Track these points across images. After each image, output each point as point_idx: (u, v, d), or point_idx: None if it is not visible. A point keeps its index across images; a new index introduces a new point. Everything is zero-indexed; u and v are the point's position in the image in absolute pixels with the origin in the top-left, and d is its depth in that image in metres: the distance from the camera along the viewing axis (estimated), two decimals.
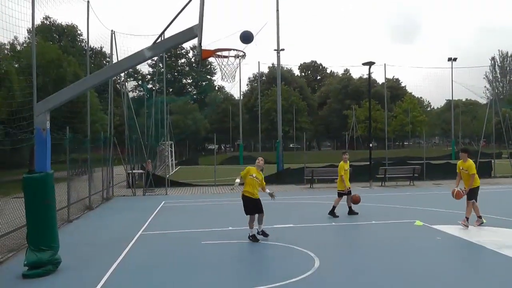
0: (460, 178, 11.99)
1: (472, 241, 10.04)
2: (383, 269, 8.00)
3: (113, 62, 20.94)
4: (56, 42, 53.46)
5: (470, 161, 11.81)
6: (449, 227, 11.67)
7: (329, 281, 7.25)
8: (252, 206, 10.39)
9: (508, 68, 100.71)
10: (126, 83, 27.98)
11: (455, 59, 43.06)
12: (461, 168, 11.92)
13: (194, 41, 8.52)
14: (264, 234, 10.45)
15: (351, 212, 14.07)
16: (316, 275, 7.53)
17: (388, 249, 9.60)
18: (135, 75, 78.48)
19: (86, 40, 19.85)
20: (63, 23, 60.51)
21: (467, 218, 11.49)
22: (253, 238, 10.19)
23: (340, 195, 14.11)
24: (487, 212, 12.76)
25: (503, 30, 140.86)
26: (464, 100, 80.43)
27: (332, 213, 13.71)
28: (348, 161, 14.46)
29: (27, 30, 15.24)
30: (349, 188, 14.11)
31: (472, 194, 11.62)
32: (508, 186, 22.48)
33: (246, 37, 8.66)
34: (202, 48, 8.50)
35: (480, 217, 11.72)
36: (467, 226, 11.37)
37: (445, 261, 8.54)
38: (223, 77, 9.11)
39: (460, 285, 7.02)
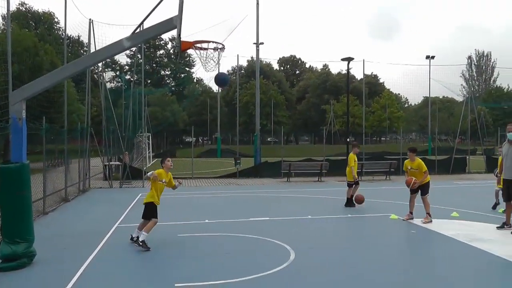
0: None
1: (445, 234, 10.24)
2: (357, 261, 8.11)
3: (91, 52, 20.70)
4: (32, 30, 52.47)
5: (418, 160, 11.95)
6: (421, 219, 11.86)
7: (304, 274, 7.31)
8: (153, 212, 9.20)
9: (484, 67, 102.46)
10: (104, 74, 27.65)
11: (433, 57, 43.57)
12: (409, 167, 12.05)
13: (173, 32, 8.48)
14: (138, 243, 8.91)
15: (349, 203, 14.52)
16: (291, 268, 7.59)
17: (364, 242, 9.73)
18: (113, 66, 77.57)
19: (64, 28, 19.50)
20: (39, 10, 59.50)
21: (429, 214, 11.69)
22: (143, 244, 8.71)
23: (350, 185, 14.67)
24: (460, 207, 13.03)
25: (480, 29, 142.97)
26: (441, 97, 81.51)
27: (348, 204, 14.45)
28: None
29: (1, 16, 14.96)
30: (357, 178, 14.88)
31: (426, 189, 11.81)
32: (481, 181, 22.88)
33: (222, 80, 8.72)
34: (182, 39, 8.46)
35: (429, 214, 11.82)
36: (431, 221, 11.56)
37: (419, 253, 8.70)
38: (205, 68, 9.09)
39: (432, 276, 7.14)
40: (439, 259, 8.28)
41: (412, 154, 12.02)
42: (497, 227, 10.72)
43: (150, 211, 9.15)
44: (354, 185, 14.69)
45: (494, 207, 13.54)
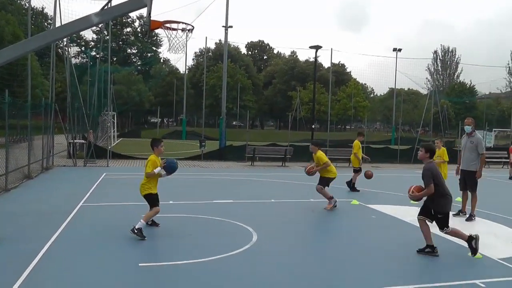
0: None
1: (404, 219, 10.62)
2: (318, 244, 8.36)
3: (56, 25, 20.22)
4: None
5: (319, 152, 12.16)
6: (383, 206, 12.25)
7: (266, 255, 7.49)
8: (153, 201, 8.70)
9: (448, 62, 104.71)
10: (69, 48, 27.09)
11: (399, 50, 44.31)
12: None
13: (141, 11, 8.40)
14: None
15: (353, 189, 15.22)
16: (253, 249, 7.76)
17: (325, 226, 9.99)
18: (78, 41, 75.91)
19: None
20: None
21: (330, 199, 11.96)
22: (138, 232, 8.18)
23: (356, 171, 15.56)
24: None
25: (446, 25, 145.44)
26: (406, 89, 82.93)
27: (353, 189, 15.16)
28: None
29: None
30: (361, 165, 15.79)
31: (323, 181, 12.10)
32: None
33: (172, 168, 8.66)
34: (151, 18, 8.40)
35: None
36: (336, 206, 11.88)
37: (378, 237, 8.97)
38: (170, 49, 9.04)
39: (391, 259, 7.41)
40: (396, 244, 8.55)
41: (315, 147, 12.27)
42: (453, 214, 11.15)
43: (151, 201, 8.69)
44: (359, 171, 15.51)
45: None
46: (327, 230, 9.56)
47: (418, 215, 7.94)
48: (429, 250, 7.74)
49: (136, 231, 8.10)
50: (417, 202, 11.64)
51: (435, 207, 7.75)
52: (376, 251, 8.00)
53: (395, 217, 10.98)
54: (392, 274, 6.81)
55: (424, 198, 7.85)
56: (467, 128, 11.10)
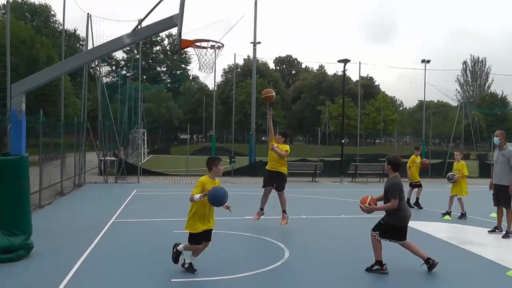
0: None
1: (437, 236, 10.42)
2: (349, 262, 8.21)
3: (88, 46, 20.70)
4: (29, 22, 52.31)
5: (284, 146, 11.59)
6: (416, 223, 11.98)
7: (298, 272, 7.41)
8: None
9: (478, 73, 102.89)
10: (100, 68, 27.64)
11: (428, 61, 43.54)
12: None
13: (170, 29, 8.54)
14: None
15: (417, 204, 14.90)
16: (285, 266, 7.70)
17: (358, 243, 9.81)
18: (109, 60, 77.38)
19: (61, 21, 19.55)
20: (36, 2, 59.27)
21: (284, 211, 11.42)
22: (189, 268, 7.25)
23: (413, 186, 15.16)
24: (453, 210, 13.16)
25: (476, 35, 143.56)
26: (435, 101, 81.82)
27: (417, 204, 14.85)
28: (419, 156, 15.74)
29: None
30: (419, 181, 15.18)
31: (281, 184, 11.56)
32: (474, 186, 22.99)
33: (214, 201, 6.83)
34: (182, 38, 8.52)
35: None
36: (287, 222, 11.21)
37: (411, 255, 8.79)
38: (201, 67, 9.15)
39: (425, 277, 7.26)
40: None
41: (280, 138, 11.57)
42: (489, 231, 10.91)
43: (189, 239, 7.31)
44: (418, 187, 15.11)
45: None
46: (358, 247, 9.41)
47: (372, 230, 7.70)
48: (378, 267, 7.49)
49: (186, 267, 7.22)
50: (450, 218, 11.48)
51: (391, 219, 7.52)
52: (407, 268, 7.84)
53: (428, 234, 10.76)
54: None
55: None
56: (496, 140, 10.87)
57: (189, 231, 7.24)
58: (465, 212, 13.09)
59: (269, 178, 11.37)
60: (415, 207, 14.62)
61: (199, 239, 7.18)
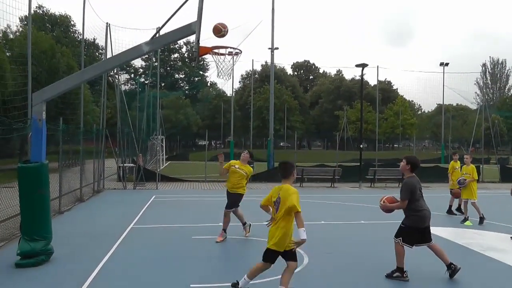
0: None
1: (459, 243, 10.27)
2: (370, 268, 8.14)
3: (108, 55, 20.95)
4: (49, 32, 53.11)
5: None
6: (436, 228, 11.84)
7: (317, 278, 7.39)
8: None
9: (498, 75, 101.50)
10: (119, 76, 27.93)
11: (446, 64, 43.28)
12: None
13: (188, 37, 8.60)
14: None
15: (459, 210, 14.48)
16: (305, 272, 7.66)
17: (377, 249, 9.74)
18: (128, 68, 78.18)
19: (81, 31, 19.88)
20: (56, 13, 60.17)
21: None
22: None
23: (451, 193, 14.70)
24: (474, 216, 12.98)
25: (495, 36, 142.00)
26: (454, 105, 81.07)
27: (459, 210, 14.45)
28: (458, 161, 15.06)
29: (20, 19, 15.29)
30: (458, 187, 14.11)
31: None
32: (495, 190, 22.76)
33: None
34: (200, 45, 8.57)
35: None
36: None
37: (433, 261, 8.69)
38: (219, 74, 9.18)
39: (448, 284, 7.17)
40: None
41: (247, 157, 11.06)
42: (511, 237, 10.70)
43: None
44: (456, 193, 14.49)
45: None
46: (378, 253, 9.33)
47: (395, 236, 7.63)
48: (398, 274, 7.38)
49: None
50: (471, 224, 11.31)
51: (408, 221, 7.53)
52: (428, 275, 7.76)
53: (449, 240, 10.62)
54: None
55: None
56: None
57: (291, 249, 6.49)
58: (483, 215, 12.89)
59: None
60: (457, 213, 14.33)
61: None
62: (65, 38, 53.70)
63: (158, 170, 24.19)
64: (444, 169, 27.07)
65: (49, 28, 57.74)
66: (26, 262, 7.59)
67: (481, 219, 12.81)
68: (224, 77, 9.06)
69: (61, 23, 60.19)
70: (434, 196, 16.22)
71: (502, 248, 9.81)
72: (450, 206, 14.64)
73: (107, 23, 21.05)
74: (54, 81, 8.97)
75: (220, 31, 8.55)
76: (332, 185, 24.10)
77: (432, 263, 7.67)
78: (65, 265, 7.80)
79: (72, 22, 60.80)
